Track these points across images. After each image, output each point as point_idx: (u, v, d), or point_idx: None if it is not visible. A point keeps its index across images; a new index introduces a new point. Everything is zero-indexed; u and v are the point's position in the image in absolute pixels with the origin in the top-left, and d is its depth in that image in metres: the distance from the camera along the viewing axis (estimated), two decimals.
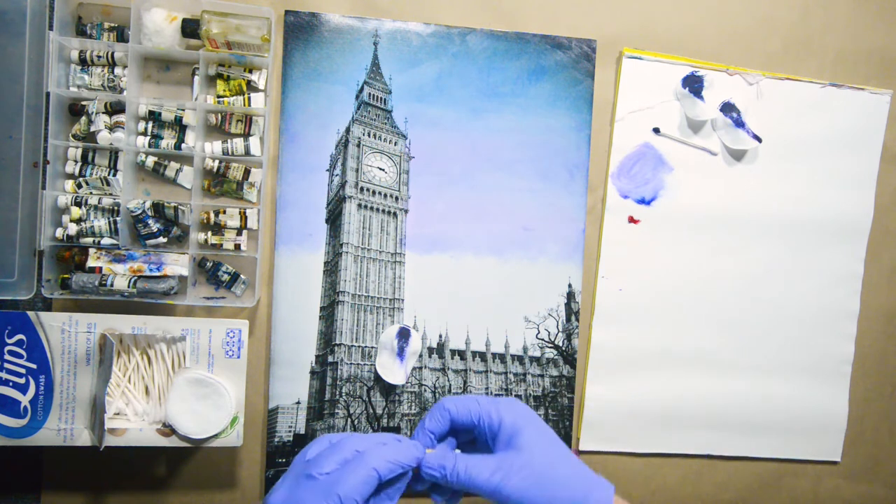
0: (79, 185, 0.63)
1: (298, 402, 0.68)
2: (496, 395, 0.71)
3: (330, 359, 0.68)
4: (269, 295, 0.67)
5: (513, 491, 0.42)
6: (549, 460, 0.43)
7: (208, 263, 0.66)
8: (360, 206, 0.69)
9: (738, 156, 0.74)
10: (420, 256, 0.70)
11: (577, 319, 0.72)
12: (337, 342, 0.68)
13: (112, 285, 0.62)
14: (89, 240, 0.63)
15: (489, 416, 0.45)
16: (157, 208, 0.63)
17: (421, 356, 0.70)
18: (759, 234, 0.74)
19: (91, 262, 0.63)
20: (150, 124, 0.64)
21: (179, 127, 0.65)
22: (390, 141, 0.69)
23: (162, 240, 0.64)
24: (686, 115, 0.72)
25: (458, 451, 0.47)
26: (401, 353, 0.69)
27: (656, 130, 0.72)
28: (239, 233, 0.66)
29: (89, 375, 0.61)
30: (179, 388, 0.61)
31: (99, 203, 0.63)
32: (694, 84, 0.72)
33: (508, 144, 0.70)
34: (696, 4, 0.72)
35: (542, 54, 0.70)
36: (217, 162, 0.65)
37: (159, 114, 0.64)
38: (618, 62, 0.71)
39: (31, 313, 0.60)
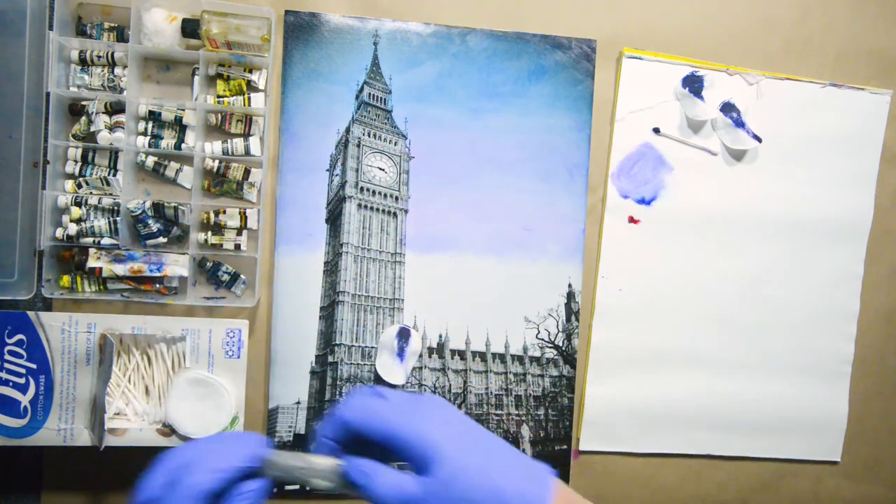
0: (79, 185, 0.63)
1: (298, 402, 0.68)
2: (496, 394, 0.71)
3: (330, 359, 0.68)
4: (269, 295, 0.67)
5: None
6: (473, 484, 0.37)
7: (208, 263, 0.66)
8: (360, 205, 0.69)
9: (738, 156, 0.74)
10: (420, 256, 0.70)
11: (577, 319, 0.72)
12: (337, 342, 0.68)
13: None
14: (89, 240, 0.63)
15: (396, 441, 0.38)
16: (157, 208, 0.63)
17: (421, 356, 0.70)
18: (759, 234, 0.74)
19: (91, 262, 0.63)
20: (150, 124, 0.64)
21: (179, 127, 0.65)
22: (390, 141, 0.69)
23: (162, 240, 0.64)
24: (686, 115, 0.72)
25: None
26: (401, 353, 0.69)
27: (656, 130, 0.72)
28: (239, 233, 0.66)
29: (89, 375, 0.61)
30: (179, 388, 0.61)
31: (99, 203, 0.63)
32: (694, 84, 0.72)
33: (508, 144, 0.70)
34: (696, 4, 0.72)
35: (542, 54, 0.70)
36: (217, 162, 0.65)
37: (159, 114, 0.64)
38: (618, 62, 0.71)
39: (31, 313, 0.60)
